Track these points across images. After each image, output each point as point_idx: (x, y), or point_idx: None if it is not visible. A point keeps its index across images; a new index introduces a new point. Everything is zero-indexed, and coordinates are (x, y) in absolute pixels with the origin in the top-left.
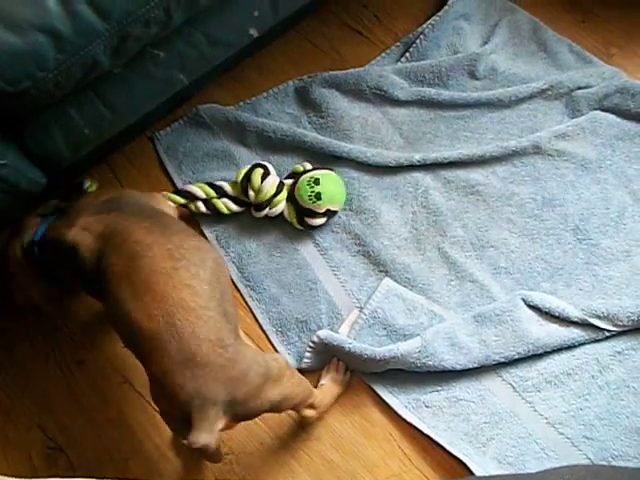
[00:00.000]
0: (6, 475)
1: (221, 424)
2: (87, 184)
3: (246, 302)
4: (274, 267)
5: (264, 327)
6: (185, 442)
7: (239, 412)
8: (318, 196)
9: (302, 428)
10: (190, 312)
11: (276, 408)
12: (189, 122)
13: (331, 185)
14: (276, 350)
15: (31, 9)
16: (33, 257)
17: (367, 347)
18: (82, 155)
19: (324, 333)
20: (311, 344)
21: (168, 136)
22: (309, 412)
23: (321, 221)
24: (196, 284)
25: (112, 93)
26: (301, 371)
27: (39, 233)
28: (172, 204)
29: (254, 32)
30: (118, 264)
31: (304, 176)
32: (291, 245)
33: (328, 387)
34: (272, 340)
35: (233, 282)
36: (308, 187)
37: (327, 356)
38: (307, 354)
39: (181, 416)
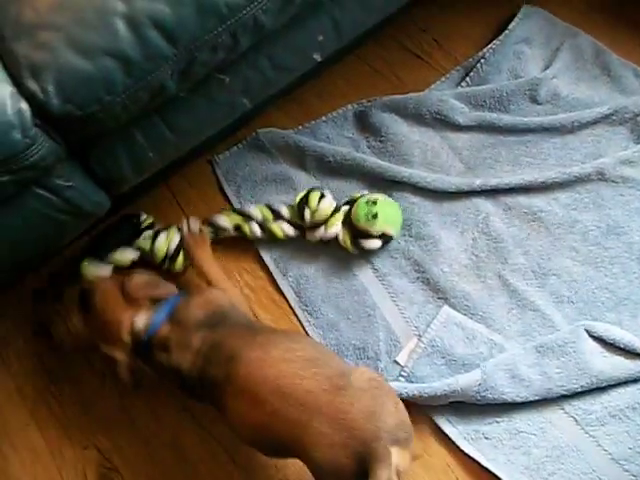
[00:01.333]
0: None
1: (396, 457)
2: (143, 217)
3: (304, 327)
4: (332, 292)
5: None
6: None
7: (397, 435)
8: (375, 216)
9: None
10: (294, 377)
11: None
12: (248, 146)
13: (388, 207)
14: None
15: (101, 34)
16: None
17: (425, 386)
18: (144, 177)
19: None
20: None
21: (227, 160)
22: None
23: (376, 244)
24: (289, 355)
25: (177, 117)
26: None
27: (151, 331)
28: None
29: (317, 56)
30: (217, 374)
31: (362, 198)
32: (349, 271)
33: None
34: None
35: (290, 307)
36: (366, 206)
37: None
38: None
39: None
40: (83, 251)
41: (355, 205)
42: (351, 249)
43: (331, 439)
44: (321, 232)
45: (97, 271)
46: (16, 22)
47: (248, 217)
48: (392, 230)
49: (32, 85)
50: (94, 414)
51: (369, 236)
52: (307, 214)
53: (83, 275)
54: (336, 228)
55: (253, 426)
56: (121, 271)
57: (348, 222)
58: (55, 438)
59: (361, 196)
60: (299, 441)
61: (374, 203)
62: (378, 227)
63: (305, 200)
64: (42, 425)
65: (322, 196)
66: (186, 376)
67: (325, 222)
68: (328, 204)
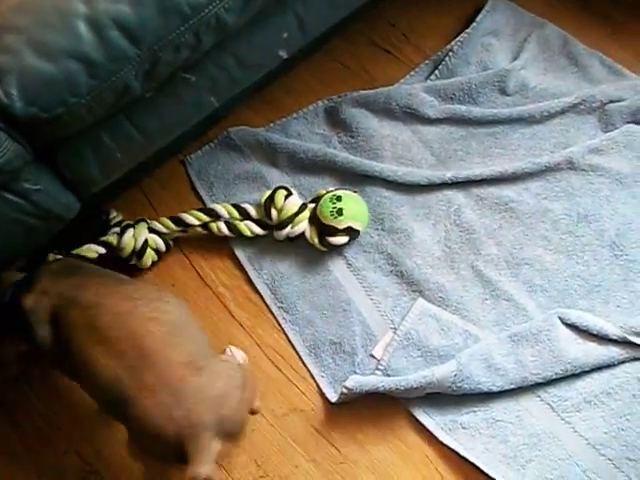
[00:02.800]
0: None
1: (217, 448)
2: (113, 214)
3: (279, 324)
4: (307, 288)
5: (297, 349)
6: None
7: (230, 429)
8: (340, 212)
9: (338, 451)
10: (157, 340)
11: (251, 408)
12: (220, 145)
13: (353, 202)
14: (310, 372)
15: (63, 37)
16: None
17: (401, 379)
18: (114, 179)
19: (352, 383)
20: (344, 391)
21: (199, 159)
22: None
23: (343, 240)
24: (158, 316)
25: (144, 117)
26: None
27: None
28: None
29: (283, 53)
30: (77, 317)
31: (327, 195)
32: (323, 266)
33: None
34: (306, 362)
35: (266, 304)
36: (330, 203)
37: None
38: (340, 397)
39: (173, 453)
40: (50, 245)
41: (320, 202)
42: (319, 246)
43: (169, 413)
44: (287, 230)
45: None
46: None
47: (216, 216)
48: (358, 225)
49: None
50: (73, 418)
51: (335, 232)
52: (274, 213)
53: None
54: (302, 226)
55: (104, 375)
56: None
57: (314, 219)
58: (34, 443)
59: (326, 193)
60: (140, 403)
61: (338, 199)
62: (344, 223)
63: (271, 199)
64: (21, 431)
65: (288, 194)
66: (41, 321)
67: (291, 220)
68: (293, 202)
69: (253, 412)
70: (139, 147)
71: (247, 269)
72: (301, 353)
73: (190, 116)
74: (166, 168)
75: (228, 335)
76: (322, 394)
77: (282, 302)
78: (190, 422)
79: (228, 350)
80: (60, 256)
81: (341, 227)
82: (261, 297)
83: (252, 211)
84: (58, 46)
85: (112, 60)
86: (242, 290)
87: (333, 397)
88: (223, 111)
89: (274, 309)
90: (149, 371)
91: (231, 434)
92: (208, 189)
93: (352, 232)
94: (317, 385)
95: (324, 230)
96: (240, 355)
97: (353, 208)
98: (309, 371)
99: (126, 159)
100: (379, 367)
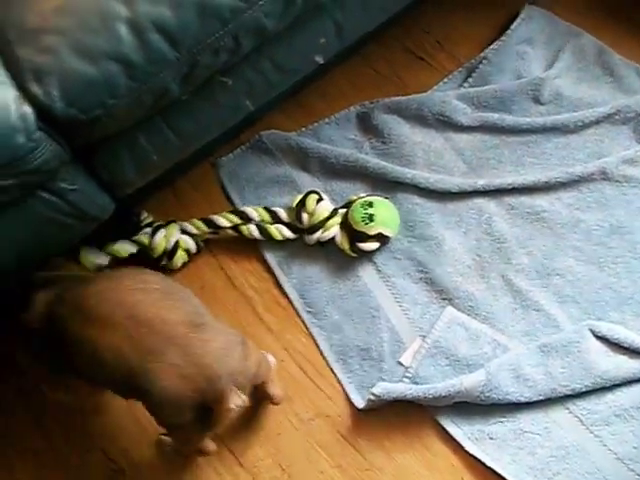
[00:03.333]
0: None
1: (236, 392)
2: (144, 215)
3: (307, 328)
4: (336, 294)
5: (325, 354)
6: (228, 408)
7: (242, 381)
8: (371, 218)
9: (364, 458)
10: (151, 306)
11: (258, 374)
12: (251, 148)
13: (384, 209)
14: (337, 378)
15: (104, 39)
16: None
17: (429, 387)
18: (149, 180)
19: (379, 390)
20: (371, 398)
21: (230, 162)
22: (278, 389)
23: (373, 246)
24: (145, 286)
25: (180, 120)
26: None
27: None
28: None
29: (319, 59)
30: (65, 309)
31: (358, 201)
32: (353, 272)
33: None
34: (333, 367)
35: (295, 308)
36: (361, 209)
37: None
38: (367, 403)
39: (194, 411)
40: (81, 242)
41: (351, 208)
42: (349, 252)
43: (181, 371)
44: (318, 234)
45: (95, 259)
46: (20, 26)
47: (247, 218)
48: (389, 231)
49: (36, 89)
50: (99, 418)
51: (366, 238)
52: (305, 217)
53: (81, 263)
54: (333, 230)
55: (104, 351)
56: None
57: (345, 225)
58: (58, 442)
59: (358, 198)
60: (148, 370)
61: (370, 205)
62: (375, 229)
63: (302, 203)
64: (46, 430)
65: (320, 199)
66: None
67: (322, 225)
68: (325, 207)
69: (274, 402)
70: (175, 149)
71: (276, 273)
72: (329, 358)
73: (226, 119)
74: (198, 170)
75: (256, 339)
76: (349, 400)
77: (311, 307)
78: (204, 375)
79: None
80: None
81: (372, 233)
82: (290, 301)
83: (283, 214)
84: (99, 48)
85: (152, 63)
86: (271, 294)
87: (360, 403)
88: (256, 114)
89: (303, 314)
90: (150, 336)
91: (240, 384)
92: (239, 192)
93: (383, 238)
94: (344, 391)
95: (355, 236)
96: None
97: (384, 214)
98: (336, 377)
99: (162, 161)
100: (407, 374)
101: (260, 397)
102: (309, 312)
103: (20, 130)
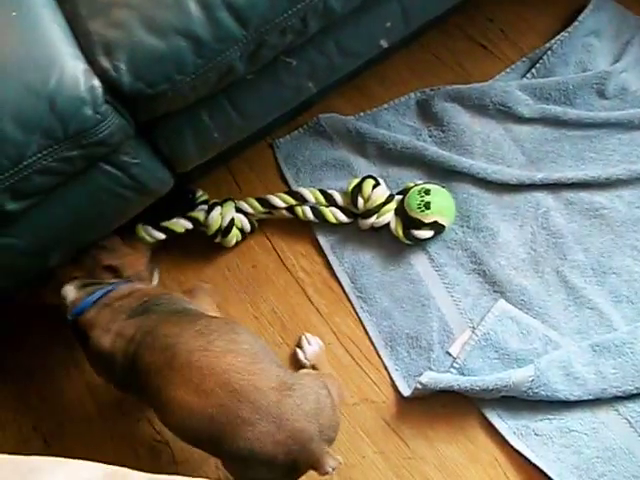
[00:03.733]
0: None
1: (328, 452)
2: (199, 193)
3: (357, 313)
4: (387, 280)
5: (373, 340)
6: (324, 472)
7: (329, 435)
8: (427, 205)
9: (407, 445)
10: (243, 373)
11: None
12: (309, 131)
13: (441, 197)
14: (384, 364)
15: (174, 14)
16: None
17: (477, 379)
18: (209, 157)
19: (427, 379)
20: (418, 386)
21: (288, 144)
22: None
23: (428, 234)
24: (235, 347)
25: (243, 99)
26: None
27: (76, 310)
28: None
29: (384, 43)
30: (154, 361)
31: (415, 188)
32: (405, 259)
33: (316, 359)
34: (380, 354)
35: (345, 293)
36: (418, 196)
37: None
38: (413, 392)
39: (289, 473)
40: (138, 218)
41: (408, 194)
42: (403, 238)
43: (274, 437)
44: (373, 220)
45: (151, 234)
46: (92, 0)
47: (302, 199)
48: (444, 220)
49: (105, 62)
50: None
51: (421, 226)
52: (360, 202)
53: (138, 237)
54: (388, 216)
55: (194, 417)
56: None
57: (400, 211)
58: (109, 410)
59: (414, 185)
60: (240, 437)
61: (427, 192)
62: (430, 217)
63: (359, 188)
64: (97, 397)
65: (376, 184)
66: (118, 363)
67: (378, 210)
68: (381, 192)
69: None
70: (236, 128)
71: (328, 256)
72: (376, 344)
73: (287, 100)
74: (255, 150)
75: (305, 320)
76: (395, 387)
77: (361, 292)
78: (295, 440)
79: (304, 337)
80: (149, 227)
81: (427, 221)
82: (340, 285)
83: (338, 198)
84: (168, 23)
85: (219, 40)
86: (322, 277)
87: (406, 391)
88: (315, 97)
89: (353, 298)
90: (243, 405)
91: (330, 439)
92: (295, 174)
93: (438, 227)
94: (390, 378)
95: (410, 223)
96: (316, 342)
97: (441, 203)
98: (383, 363)
99: (223, 139)
100: (454, 365)
101: None
102: (359, 297)
103: (88, 102)
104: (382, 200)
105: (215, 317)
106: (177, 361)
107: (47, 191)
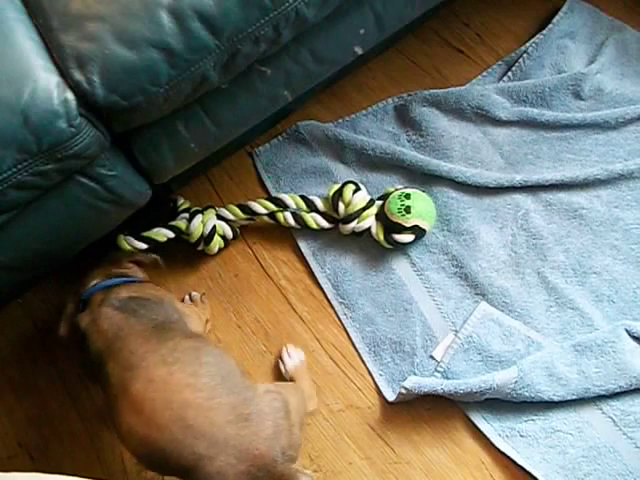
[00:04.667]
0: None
1: (295, 468)
2: (181, 201)
3: (340, 320)
4: (369, 286)
5: (357, 346)
6: None
7: (293, 454)
8: (408, 209)
9: (393, 451)
10: (198, 409)
11: (303, 423)
12: (288, 138)
13: (421, 201)
14: (368, 370)
15: (146, 25)
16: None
17: (461, 383)
18: (186, 168)
19: (411, 383)
20: (402, 391)
21: (267, 152)
22: (309, 402)
23: (409, 238)
24: (194, 382)
25: (219, 108)
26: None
27: (86, 294)
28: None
29: (359, 50)
30: (114, 375)
31: (395, 193)
32: (387, 264)
33: (297, 372)
34: (364, 359)
35: (327, 299)
36: (398, 200)
37: None
38: (398, 397)
39: None
40: (119, 229)
41: (388, 199)
42: (384, 243)
43: (236, 468)
44: (354, 224)
45: (133, 244)
46: (64, 13)
47: (283, 205)
48: (425, 224)
49: (78, 75)
50: None
51: (402, 230)
52: (341, 207)
53: (121, 248)
54: (369, 221)
55: (144, 447)
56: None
57: (381, 216)
58: (94, 423)
59: (395, 190)
60: (200, 471)
61: (407, 197)
62: (411, 221)
63: (339, 193)
64: (83, 412)
65: (356, 189)
66: (88, 349)
67: (358, 215)
68: (362, 197)
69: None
70: (213, 138)
71: (310, 263)
72: (360, 350)
73: (264, 109)
74: (234, 159)
75: (288, 328)
76: (379, 392)
77: (344, 298)
78: (260, 467)
79: (284, 349)
80: (131, 237)
81: (408, 225)
82: (323, 292)
83: (319, 203)
84: (140, 35)
85: (192, 50)
86: (304, 284)
87: (390, 396)
88: (293, 105)
89: (335, 305)
90: (199, 441)
91: (294, 458)
92: (275, 182)
93: (418, 230)
94: (375, 383)
95: (390, 227)
96: (296, 354)
97: (421, 207)
98: (367, 369)
99: (200, 149)
100: (438, 369)
101: None
102: (342, 303)
103: (62, 116)
104: (363, 205)
105: (186, 339)
106: (134, 387)
107: (24, 205)
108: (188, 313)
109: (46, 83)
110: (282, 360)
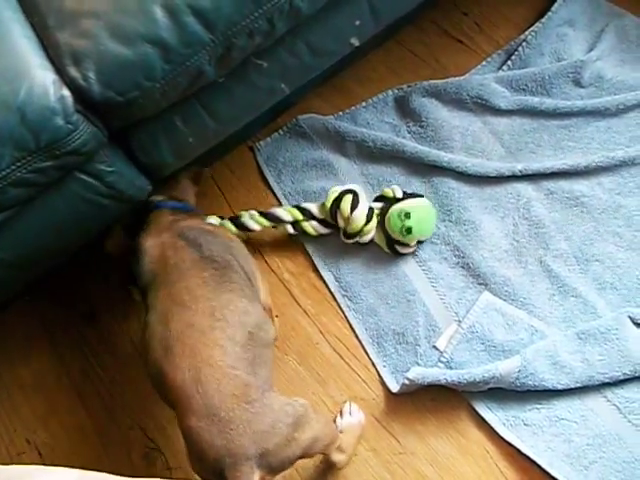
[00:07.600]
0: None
1: (257, 478)
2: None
3: (343, 312)
4: (372, 277)
5: (360, 337)
6: None
7: (272, 463)
8: (409, 230)
9: (398, 441)
10: (216, 369)
11: (308, 451)
12: (289, 132)
13: (421, 216)
14: (372, 361)
15: (140, 21)
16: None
17: (465, 372)
18: (186, 163)
19: (414, 374)
20: (405, 382)
21: (268, 146)
22: (339, 456)
23: (412, 250)
24: (228, 345)
25: (216, 102)
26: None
27: (163, 203)
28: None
29: (355, 41)
30: (163, 303)
31: (394, 208)
32: (389, 256)
33: (349, 430)
34: (368, 351)
35: (331, 292)
36: (399, 221)
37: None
38: (402, 387)
39: (214, 475)
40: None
41: (388, 215)
42: (387, 250)
43: (211, 439)
44: (356, 239)
45: None
46: (59, 11)
47: (279, 221)
48: (427, 236)
49: (74, 72)
50: (139, 396)
51: (404, 245)
52: (340, 221)
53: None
54: (371, 234)
55: (157, 372)
56: None
57: (383, 229)
58: (102, 419)
59: (394, 198)
60: (185, 422)
61: (407, 216)
62: (413, 239)
63: (337, 204)
64: (89, 406)
65: (354, 201)
66: (142, 266)
67: (360, 231)
68: (361, 213)
69: (310, 453)
70: (211, 132)
71: (313, 256)
72: (364, 342)
73: (261, 102)
74: (236, 154)
75: (292, 321)
76: (383, 384)
77: (346, 290)
78: (229, 452)
79: (347, 405)
80: None
81: (411, 243)
82: (326, 285)
83: (315, 210)
84: (135, 31)
85: (187, 45)
86: (307, 277)
87: (394, 387)
88: (293, 98)
89: (338, 297)
90: (199, 397)
91: (273, 468)
92: (276, 176)
93: (421, 241)
94: (379, 374)
95: (394, 240)
96: (358, 416)
97: (421, 224)
98: (371, 360)
99: (198, 143)
100: (442, 359)
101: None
102: (345, 296)
103: (58, 113)
104: (362, 222)
105: (240, 299)
106: (174, 324)
107: (24, 202)
108: (260, 278)
109: (42, 80)
110: (341, 413)
